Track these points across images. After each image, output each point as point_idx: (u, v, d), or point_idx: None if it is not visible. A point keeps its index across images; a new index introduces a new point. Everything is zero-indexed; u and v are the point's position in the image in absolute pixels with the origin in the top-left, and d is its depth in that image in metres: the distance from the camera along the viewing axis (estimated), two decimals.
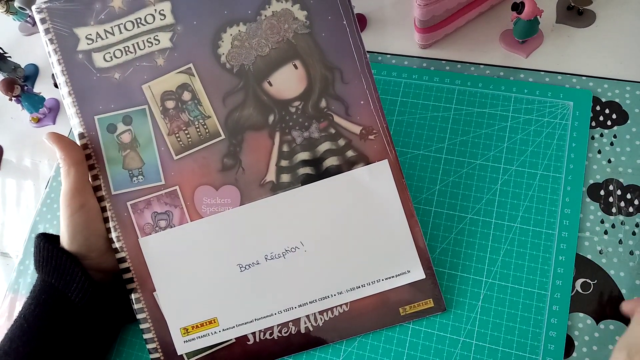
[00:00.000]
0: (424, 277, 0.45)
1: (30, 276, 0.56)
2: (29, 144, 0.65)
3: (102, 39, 0.45)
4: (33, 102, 0.63)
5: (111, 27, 0.45)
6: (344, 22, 0.43)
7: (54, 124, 0.64)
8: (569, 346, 0.43)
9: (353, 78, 0.44)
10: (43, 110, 0.64)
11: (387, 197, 0.44)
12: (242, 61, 0.44)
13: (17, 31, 0.72)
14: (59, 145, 0.44)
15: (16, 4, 0.63)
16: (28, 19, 0.71)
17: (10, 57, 0.66)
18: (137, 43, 0.45)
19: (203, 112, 0.45)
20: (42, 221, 0.58)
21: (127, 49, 0.45)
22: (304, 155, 0.45)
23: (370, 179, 0.44)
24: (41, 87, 0.66)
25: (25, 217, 0.60)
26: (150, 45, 0.45)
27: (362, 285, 0.45)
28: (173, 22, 0.44)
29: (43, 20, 0.45)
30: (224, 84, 0.44)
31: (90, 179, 0.46)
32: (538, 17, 0.51)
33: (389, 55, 0.57)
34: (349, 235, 0.45)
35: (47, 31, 0.45)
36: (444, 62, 0.56)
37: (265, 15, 0.44)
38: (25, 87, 0.63)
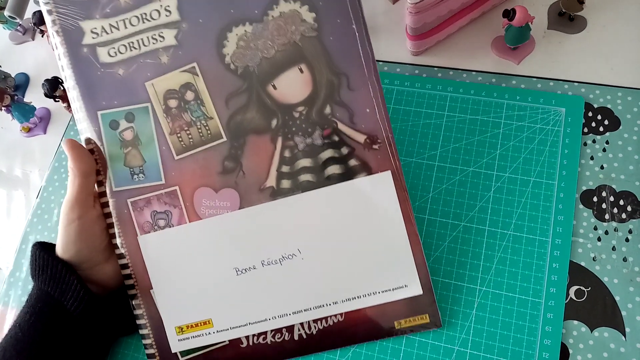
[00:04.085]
0: (421, 292, 0.44)
1: (21, 288, 0.55)
2: (19, 153, 0.64)
3: (107, 33, 0.44)
4: (24, 111, 0.63)
5: (116, 22, 0.44)
6: (354, 27, 0.42)
7: (45, 133, 0.64)
8: (564, 354, 0.43)
9: (360, 85, 0.43)
10: (34, 120, 0.64)
11: (388, 209, 0.43)
12: (247, 62, 0.43)
13: (7, 40, 0.71)
14: (71, 153, 0.44)
15: (6, 13, 0.63)
16: (18, 27, 0.70)
17: (0, 66, 0.66)
18: (142, 39, 0.44)
19: (205, 112, 0.44)
20: (32, 232, 0.58)
21: (131, 44, 0.44)
22: (305, 162, 0.44)
23: (372, 190, 0.43)
24: (32, 97, 0.66)
25: (15, 228, 0.60)
26: (154, 42, 0.44)
27: (358, 297, 0.44)
28: (178, 19, 0.44)
29: (49, 12, 0.44)
30: (227, 85, 0.44)
31: (96, 187, 0.45)
32: (529, 23, 0.51)
33: (381, 63, 0.57)
34: (347, 245, 0.44)
35: (53, 23, 0.44)
36: (436, 69, 0.56)
37: (272, 16, 0.43)
38: (16, 97, 0.63)
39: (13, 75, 0.67)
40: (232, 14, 0.43)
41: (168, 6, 0.44)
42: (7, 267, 0.57)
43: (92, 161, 0.45)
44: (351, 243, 0.44)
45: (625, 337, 0.43)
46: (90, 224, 0.45)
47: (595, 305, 0.44)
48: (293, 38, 0.43)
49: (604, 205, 0.47)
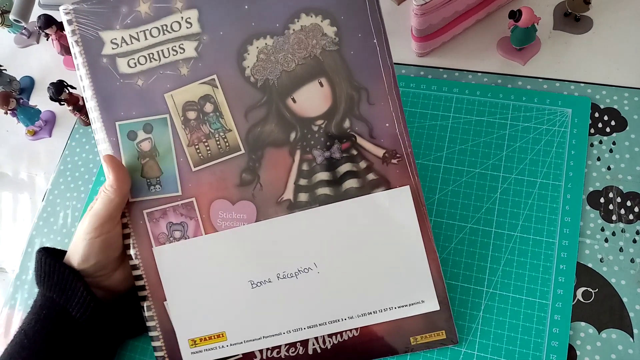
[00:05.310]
0: (438, 308, 0.44)
1: (27, 291, 0.55)
2: (25, 157, 0.64)
3: (127, 44, 0.44)
4: (29, 115, 0.63)
5: (137, 33, 0.44)
6: (375, 41, 0.42)
7: (50, 136, 0.64)
8: (571, 356, 0.43)
9: (380, 99, 0.42)
10: (39, 123, 0.64)
11: (406, 224, 0.43)
12: (267, 75, 0.43)
13: (13, 43, 0.71)
14: (114, 173, 0.43)
15: (11, 17, 0.63)
16: (23, 31, 0.70)
17: (5, 69, 0.66)
18: (162, 50, 0.44)
19: (224, 125, 0.44)
20: (38, 235, 0.58)
21: (151, 55, 0.44)
22: (323, 176, 0.44)
23: (390, 205, 0.43)
24: (37, 100, 0.66)
25: (21, 231, 0.60)
26: (175, 53, 0.44)
27: (373, 312, 0.44)
28: (199, 31, 0.44)
29: (70, 22, 0.44)
30: (247, 97, 0.44)
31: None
32: (535, 24, 0.51)
33: None
34: (364, 260, 0.44)
35: (73, 33, 0.44)
36: (441, 70, 0.56)
37: (294, 30, 0.43)
38: (21, 100, 0.63)
39: (18, 79, 0.67)
40: (253, 27, 0.43)
41: (189, 18, 0.43)
42: (13, 270, 0.57)
43: (129, 181, 0.44)
44: (368, 257, 0.44)
45: (633, 338, 0.43)
46: (116, 237, 0.45)
47: (602, 307, 0.44)
48: (314, 52, 0.43)
49: (611, 207, 0.47)
